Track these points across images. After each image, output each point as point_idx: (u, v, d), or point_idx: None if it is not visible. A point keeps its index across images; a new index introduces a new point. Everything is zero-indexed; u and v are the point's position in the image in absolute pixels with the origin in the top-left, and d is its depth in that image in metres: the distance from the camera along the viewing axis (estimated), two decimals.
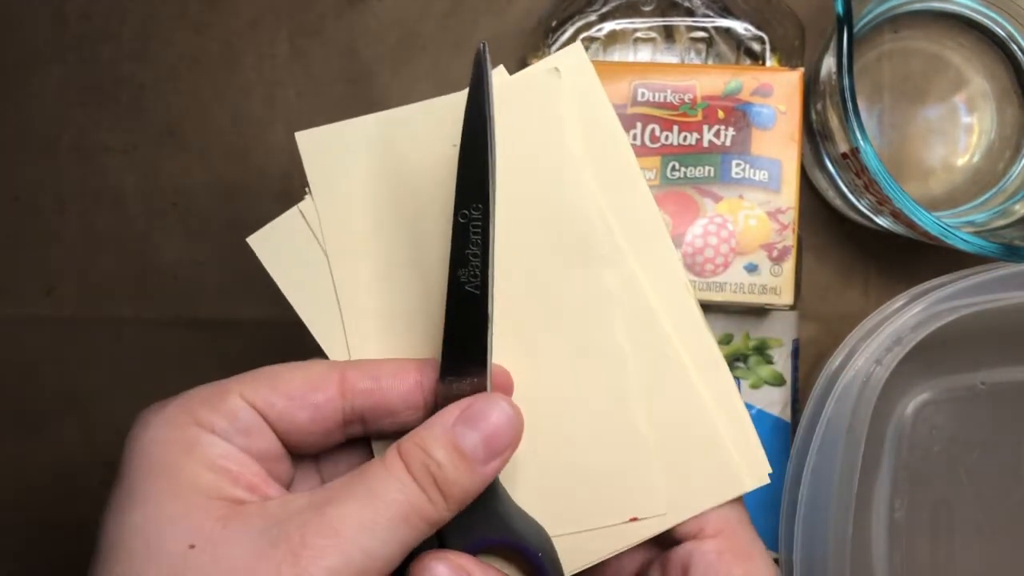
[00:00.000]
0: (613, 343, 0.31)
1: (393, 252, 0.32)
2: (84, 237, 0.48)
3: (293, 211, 0.33)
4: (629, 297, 0.31)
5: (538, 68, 0.32)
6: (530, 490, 0.31)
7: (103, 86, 0.48)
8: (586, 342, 0.31)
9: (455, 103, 0.31)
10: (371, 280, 0.32)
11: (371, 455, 0.31)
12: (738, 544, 0.31)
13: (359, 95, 0.47)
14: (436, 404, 0.29)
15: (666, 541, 0.31)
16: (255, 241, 0.33)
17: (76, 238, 0.48)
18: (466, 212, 0.29)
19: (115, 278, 0.48)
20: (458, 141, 0.29)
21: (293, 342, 0.47)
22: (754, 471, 0.31)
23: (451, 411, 0.28)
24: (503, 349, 0.31)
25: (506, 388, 0.30)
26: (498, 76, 0.31)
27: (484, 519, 0.29)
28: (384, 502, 0.26)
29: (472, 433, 0.27)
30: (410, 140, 0.32)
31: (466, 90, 0.29)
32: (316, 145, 0.33)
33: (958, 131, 0.44)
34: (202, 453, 0.28)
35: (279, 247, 0.33)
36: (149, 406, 0.29)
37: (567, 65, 0.32)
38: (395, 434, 0.29)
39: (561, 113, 0.32)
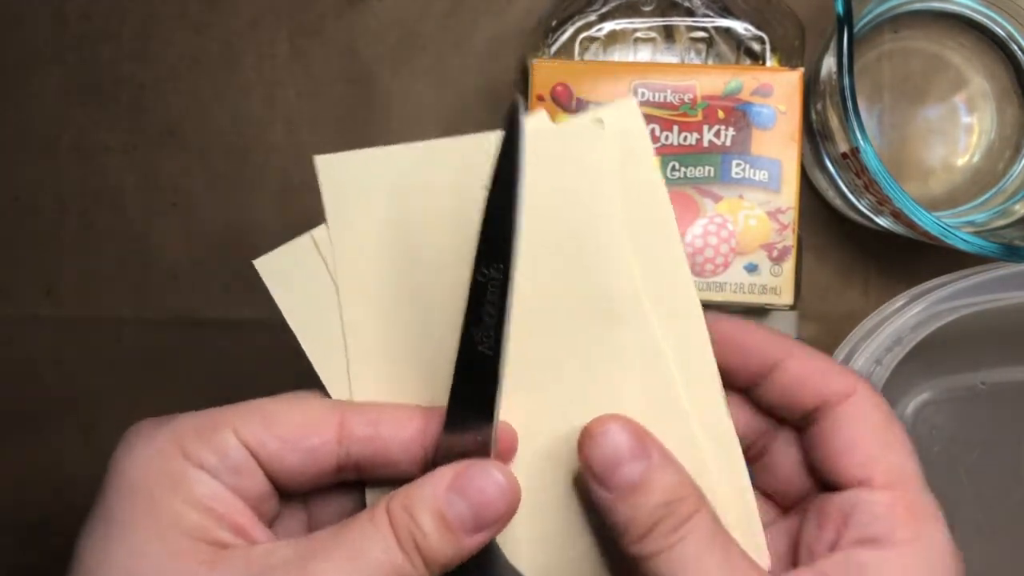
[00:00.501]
0: (626, 410, 0.29)
1: (406, 293, 0.31)
2: (84, 237, 0.48)
3: (305, 238, 0.31)
4: (648, 365, 0.30)
5: (583, 119, 0.30)
6: (535, 550, 0.30)
7: (103, 86, 0.48)
8: (599, 406, 0.30)
9: (486, 144, 0.29)
10: (380, 319, 0.31)
11: (362, 497, 0.30)
12: (913, 502, 0.28)
13: (359, 95, 0.47)
14: (436, 457, 0.28)
15: (828, 484, 0.29)
16: (262, 264, 0.31)
17: (76, 238, 0.48)
18: (485, 272, 0.27)
19: (115, 278, 0.48)
20: (487, 182, 0.27)
21: (293, 342, 0.47)
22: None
23: (445, 474, 0.27)
24: (512, 403, 0.29)
25: (510, 447, 0.29)
26: (538, 121, 0.30)
27: None
28: (367, 561, 0.26)
29: (462, 503, 0.27)
30: (436, 178, 0.31)
31: (499, 132, 0.27)
32: (336, 172, 0.31)
33: (958, 131, 0.44)
34: (189, 491, 0.27)
35: (287, 273, 0.31)
36: (138, 423, 0.28)
37: (615, 118, 0.30)
38: (390, 481, 0.29)
39: (602, 168, 0.30)
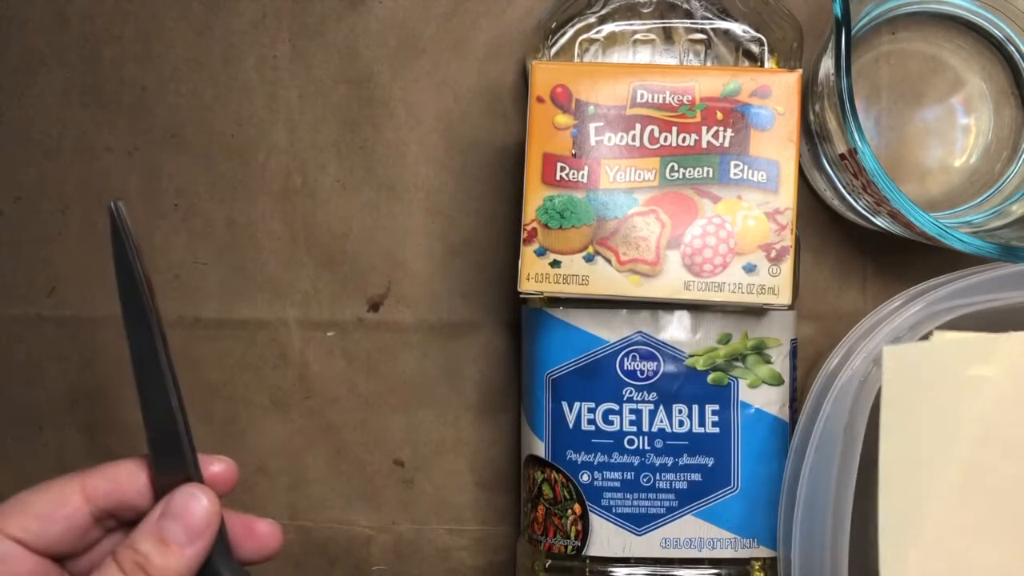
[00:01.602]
0: None
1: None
2: (85, 238, 0.48)
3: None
4: None
5: None
6: None
7: (105, 87, 0.48)
8: None
9: None
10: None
11: None
12: None
13: (360, 96, 0.47)
14: (156, 496, 0.33)
15: None
16: (890, 351, 0.36)
17: (78, 239, 0.48)
18: (136, 342, 0.33)
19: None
20: None
21: (292, 342, 0.48)
22: None
23: (157, 507, 0.32)
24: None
25: (228, 479, 0.34)
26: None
27: None
28: None
29: (173, 523, 0.32)
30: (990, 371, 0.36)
31: None
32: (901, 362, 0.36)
33: (955, 132, 0.44)
34: None
35: (914, 376, 0.36)
36: None
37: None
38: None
39: None
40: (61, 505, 0.33)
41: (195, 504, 0.32)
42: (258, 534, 0.35)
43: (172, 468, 0.33)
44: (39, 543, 0.32)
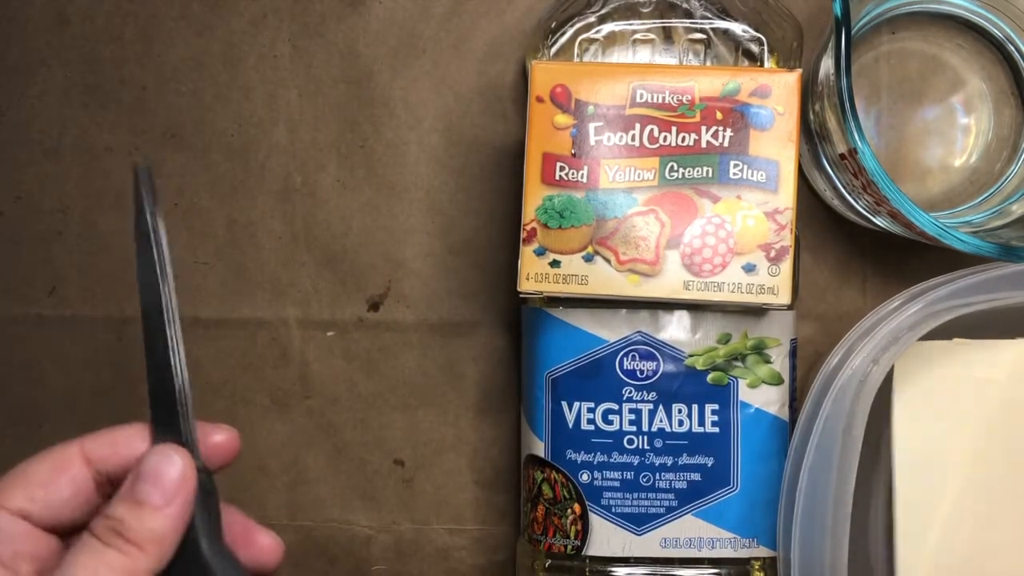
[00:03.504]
0: None
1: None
2: (86, 237, 0.48)
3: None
4: None
5: None
6: None
7: (105, 87, 0.48)
8: None
9: None
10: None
11: None
12: None
13: (360, 96, 0.47)
14: None
15: None
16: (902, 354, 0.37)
17: (78, 238, 0.48)
18: (148, 317, 0.33)
19: (116, 278, 0.48)
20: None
21: (292, 342, 0.48)
22: None
23: (130, 476, 0.31)
24: None
25: (228, 449, 0.34)
26: None
27: None
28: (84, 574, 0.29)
29: (144, 484, 0.30)
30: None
31: None
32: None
33: (955, 132, 0.44)
34: None
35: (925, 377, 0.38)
36: None
37: None
38: None
39: None
40: (63, 470, 0.32)
41: (167, 464, 0.31)
42: (257, 545, 0.34)
43: (170, 434, 0.32)
44: (46, 513, 0.31)
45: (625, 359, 0.41)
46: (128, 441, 0.32)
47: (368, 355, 0.47)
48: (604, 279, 0.38)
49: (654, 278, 0.38)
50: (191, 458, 0.31)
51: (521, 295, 0.38)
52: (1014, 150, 0.44)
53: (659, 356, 0.41)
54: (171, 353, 0.32)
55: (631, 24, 0.41)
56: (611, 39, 0.41)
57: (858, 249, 0.46)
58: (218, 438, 0.33)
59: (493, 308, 0.47)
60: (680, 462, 0.41)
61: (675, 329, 0.41)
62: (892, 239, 0.42)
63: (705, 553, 0.41)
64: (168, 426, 0.32)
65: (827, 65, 0.39)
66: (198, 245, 0.48)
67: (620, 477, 0.41)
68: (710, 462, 0.41)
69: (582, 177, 0.38)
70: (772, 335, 0.41)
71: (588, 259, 0.38)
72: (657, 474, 0.41)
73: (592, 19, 0.41)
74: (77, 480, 0.32)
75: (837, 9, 0.36)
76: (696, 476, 0.41)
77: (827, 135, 0.40)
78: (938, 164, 0.44)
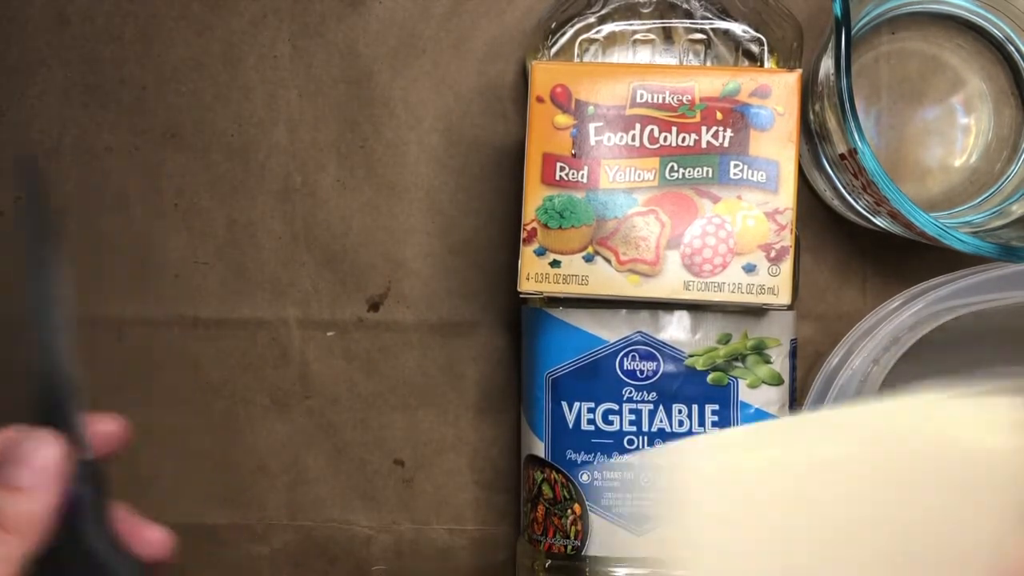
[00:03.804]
0: None
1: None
2: (86, 237, 0.48)
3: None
4: None
5: None
6: None
7: (105, 87, 0.48)
8: None
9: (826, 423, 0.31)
10: None
11: None
12: None
13: (360, 96, 0.47)
14: None
15: None
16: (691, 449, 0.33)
17: (78, 238, 0.48)
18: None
19: (116, 278, 0.48)
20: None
21: (292, 342, 0.48)
22: None
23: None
24: None
25: (114, 438, 0.33)
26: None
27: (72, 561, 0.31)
28: None
29: (15, 469, 0.30)
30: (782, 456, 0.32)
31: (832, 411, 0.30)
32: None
33: (955, 132, 0.44)
34: None
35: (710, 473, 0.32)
36: None
37: None
38: None
39: None
40: None
41: (38, 447, 0.31)
42: (145, 539, 0.33)
43: (50, 423, 0.32)
44: None
45: (625, 359, 0.41)
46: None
47: (368, 355, 0.47)
48: (604, 279, 0.38)
49: (654, 278, 0.38)
50: (64, 443, 0.31)
51: (521, 295, 0.38)
52: (1014, 150, 0.44)
53: (659, 356, 0.41)
54: (54, 340, 0.33)
55: (631, 24, 0.41)
56: (611, 39, 0.41)
57: (858, 249, 0.46)
58: (104, 427, 0.34)
59: (493, 308, 0.47)
60: None
61: (675, 329, 0.41)
62: (892, 239, 0.42)
63: None
64: (50, 415, 0.32)
65: (827, 65, 0.39)
66: (198, 245, 0.48)
67: (620, 477, 0.41)
68: None
69: (582, 177, 0.38)
70: (772, 335, 0.41)
71: (588, 259, 0.38)
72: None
73: (592, 19, 0.41)
74: None
75: (837, 9, 0.36)
76: None
77: (827, 135, 0.40)
78: (938, 164, 0.44)
